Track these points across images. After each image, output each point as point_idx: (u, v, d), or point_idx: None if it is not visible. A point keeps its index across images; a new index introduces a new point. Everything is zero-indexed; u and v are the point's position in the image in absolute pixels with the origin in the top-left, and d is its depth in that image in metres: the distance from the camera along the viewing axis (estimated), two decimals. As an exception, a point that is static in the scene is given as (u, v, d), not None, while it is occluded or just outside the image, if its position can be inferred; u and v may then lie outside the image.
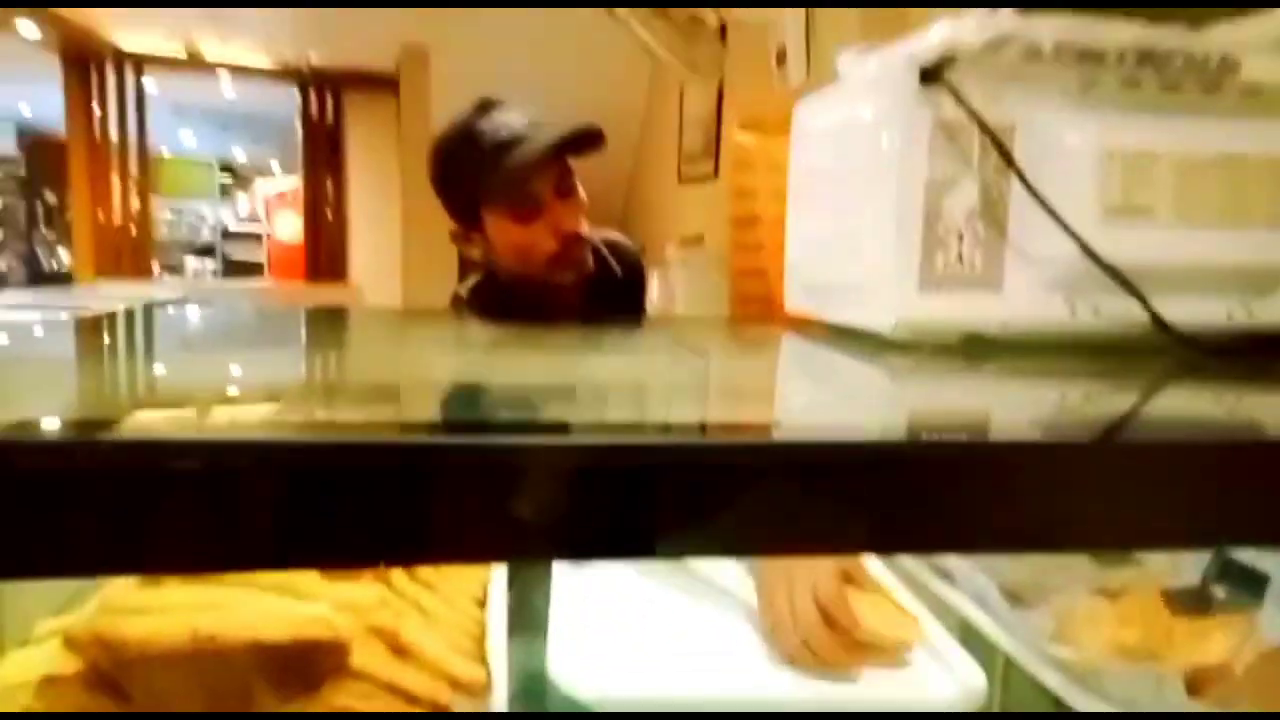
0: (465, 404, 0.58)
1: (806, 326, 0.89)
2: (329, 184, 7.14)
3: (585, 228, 1.38)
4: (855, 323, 0.76)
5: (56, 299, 4.84)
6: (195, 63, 6.59)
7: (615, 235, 1.58)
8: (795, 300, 0.90)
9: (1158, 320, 0.65)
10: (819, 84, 0.88)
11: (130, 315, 1.11)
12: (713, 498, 0.39)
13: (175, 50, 6.43)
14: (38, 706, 0.56)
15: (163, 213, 9.24)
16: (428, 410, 0.58)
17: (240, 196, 10.69)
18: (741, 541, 0.42)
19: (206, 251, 10.02)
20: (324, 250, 7.19)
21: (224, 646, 0.58)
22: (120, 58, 6.46)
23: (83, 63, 6.36)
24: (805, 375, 0.75)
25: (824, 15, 2.59)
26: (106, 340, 0.93)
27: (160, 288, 6.27)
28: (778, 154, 1.00)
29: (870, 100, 0.72)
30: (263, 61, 6.71)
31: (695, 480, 0.39)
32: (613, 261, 1.51)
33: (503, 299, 1.43)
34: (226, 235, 10.18)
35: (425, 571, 0.77)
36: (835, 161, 0.80)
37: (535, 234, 1.32)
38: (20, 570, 0.39)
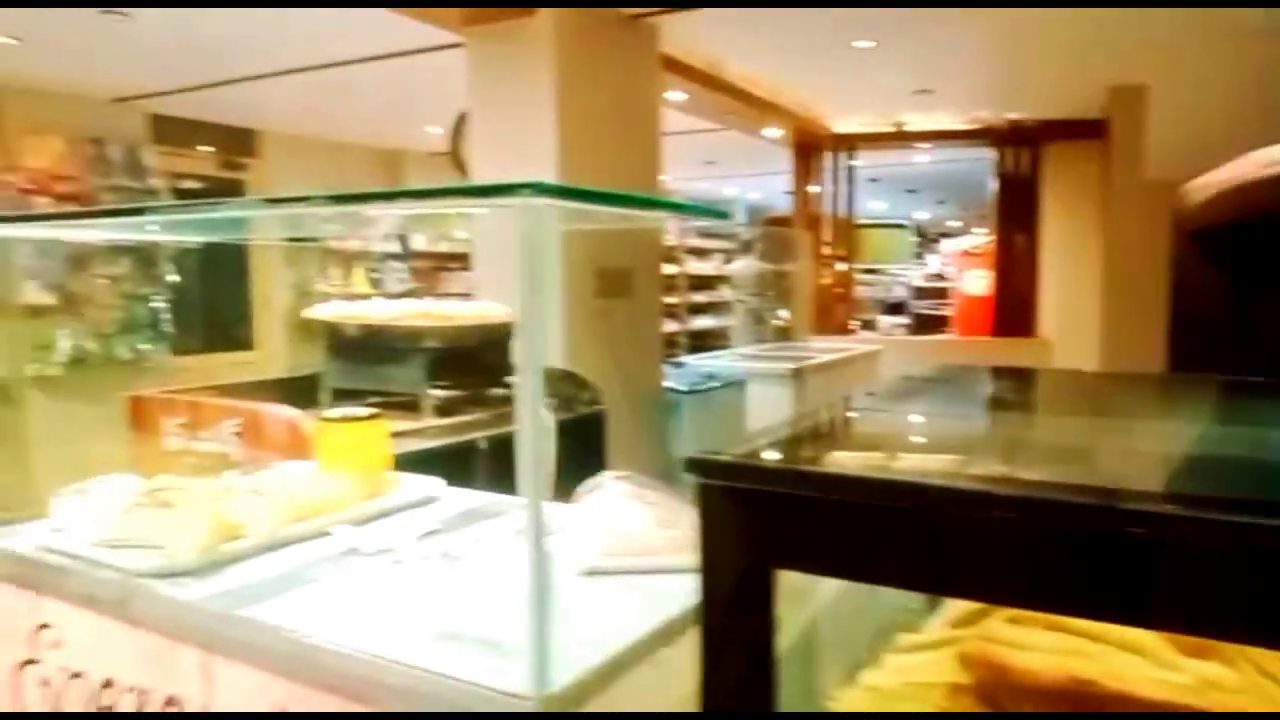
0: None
1: None
2: (1020, 239, 7.11)
3: None
4: None
5: (789, 351, 5.75)
6: (898, 136, 7.19)
7: None
8: None
9: None
10: None
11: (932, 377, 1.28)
12: None
13: (882, 128, 7.11)
14: (944, 707, 0.68)
15: (862, 274, 10.17)
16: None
17: (927, 256, 11.27)
18: None
19: (896, 308, 10.74)
20: (1012, 305, 7.16)
21: (1098, 692, 0.64)
22: (836, 141, 7.37)
23: (807, 150, 7.41)
24: None
25: None
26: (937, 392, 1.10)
27: (860, 343, 6.92)
28: None
29: None
30: (959, 126, 7.00)
31: None
32: None
33: None
34: (915, 293, 10.79)
35: (1271, 663, 0.74)
36: None
37: None
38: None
